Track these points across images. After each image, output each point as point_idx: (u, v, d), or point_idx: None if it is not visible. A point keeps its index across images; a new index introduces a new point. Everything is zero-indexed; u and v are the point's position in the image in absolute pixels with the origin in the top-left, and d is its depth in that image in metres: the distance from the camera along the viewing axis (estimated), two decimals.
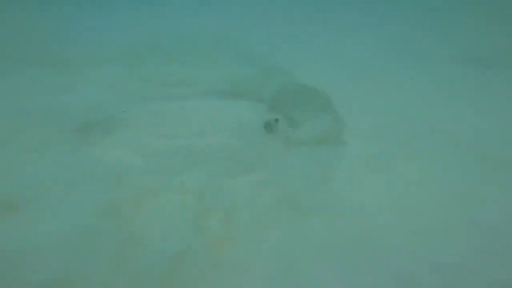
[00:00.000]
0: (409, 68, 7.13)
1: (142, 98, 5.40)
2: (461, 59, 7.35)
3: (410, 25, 9.18)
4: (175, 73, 6.38)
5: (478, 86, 6.32)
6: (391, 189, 4.04)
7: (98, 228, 3.47)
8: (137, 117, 4.61)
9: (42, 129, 4.64)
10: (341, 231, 3.57)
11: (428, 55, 7.69)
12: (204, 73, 6.35)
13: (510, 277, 3.22)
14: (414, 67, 7.14)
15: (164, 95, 5.56)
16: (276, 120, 4.45)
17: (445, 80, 6.60)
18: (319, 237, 3.50)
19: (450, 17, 9.48)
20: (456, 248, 3.44)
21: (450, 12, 9.70)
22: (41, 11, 8.43)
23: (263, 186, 3.96)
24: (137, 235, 3.42)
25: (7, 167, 4.09)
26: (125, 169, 4.04)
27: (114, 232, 3.44)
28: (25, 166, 4.12)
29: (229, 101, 4.78)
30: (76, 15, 8.82)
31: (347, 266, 3.25)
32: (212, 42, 7.65)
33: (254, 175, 4.06)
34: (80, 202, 3.68)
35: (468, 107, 5.64)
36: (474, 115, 5.43)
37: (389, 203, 3.88)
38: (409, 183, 4.16)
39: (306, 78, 6.23)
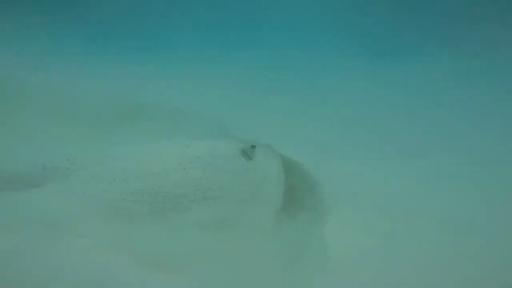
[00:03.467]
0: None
1: (92, 146, 4.98)
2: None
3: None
4: (140, 125, 6.27)
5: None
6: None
7: None
8: (83, 164, 4.02)
9: None
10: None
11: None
12: (174, 129, 6.25)
13: None
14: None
15: (121, 142, 5.14)
16: (253, 146, 4.24)
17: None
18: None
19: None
20: None
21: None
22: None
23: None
24: None
25: None
26: (57, 221, 3.76)
27: None
28: None
29: (197, 141, 4.32)
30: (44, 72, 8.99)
31: None
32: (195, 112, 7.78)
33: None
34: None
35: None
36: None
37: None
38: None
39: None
